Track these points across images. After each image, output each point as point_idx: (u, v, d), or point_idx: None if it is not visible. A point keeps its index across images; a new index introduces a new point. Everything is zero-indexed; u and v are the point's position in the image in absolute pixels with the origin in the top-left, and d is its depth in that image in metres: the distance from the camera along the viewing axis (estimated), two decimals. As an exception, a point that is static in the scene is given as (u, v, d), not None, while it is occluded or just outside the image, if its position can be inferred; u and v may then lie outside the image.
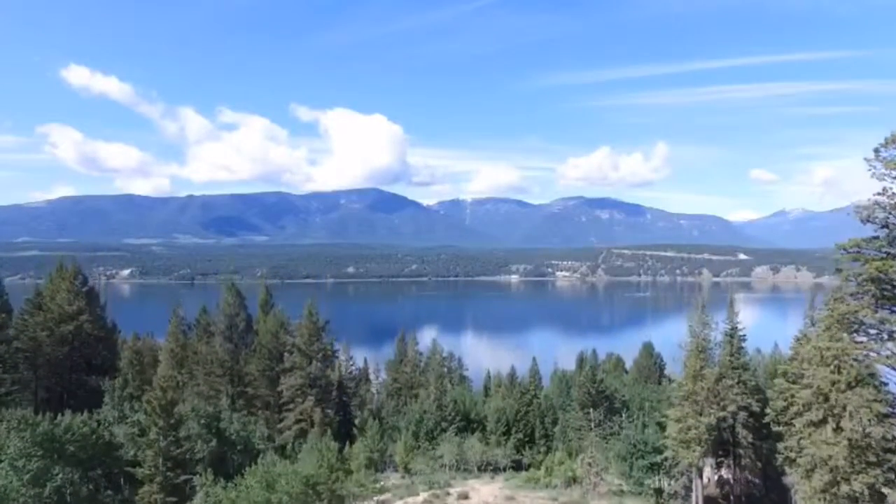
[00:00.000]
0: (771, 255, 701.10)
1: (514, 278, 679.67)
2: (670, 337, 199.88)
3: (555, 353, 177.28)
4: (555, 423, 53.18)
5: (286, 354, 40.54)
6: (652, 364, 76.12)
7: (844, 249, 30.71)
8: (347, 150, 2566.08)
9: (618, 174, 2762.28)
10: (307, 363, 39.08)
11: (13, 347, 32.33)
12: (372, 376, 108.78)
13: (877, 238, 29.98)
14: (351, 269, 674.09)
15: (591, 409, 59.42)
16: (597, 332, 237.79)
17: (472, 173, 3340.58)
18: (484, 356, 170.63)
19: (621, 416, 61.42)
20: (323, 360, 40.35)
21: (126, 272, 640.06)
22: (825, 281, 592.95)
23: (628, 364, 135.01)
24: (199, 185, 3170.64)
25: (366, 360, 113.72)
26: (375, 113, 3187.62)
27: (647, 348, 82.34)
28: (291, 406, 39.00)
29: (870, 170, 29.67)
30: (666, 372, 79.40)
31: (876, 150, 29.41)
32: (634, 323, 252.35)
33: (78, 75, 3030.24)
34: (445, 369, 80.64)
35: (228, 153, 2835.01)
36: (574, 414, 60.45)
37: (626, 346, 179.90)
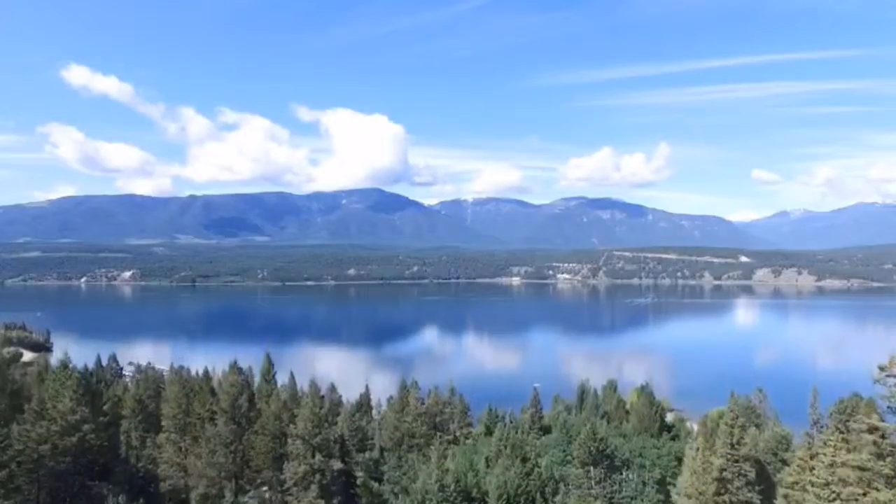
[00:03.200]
0: (772, 257, 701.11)
1: (516, 281, 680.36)
2: (674, 366, 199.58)
3: (555, 371, 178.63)
4: (555, 492, 53.47)
5: (289, 440, 40.85)
6: (653, 413, 76.32)
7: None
8: (349, 150, 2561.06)
9: (620, 174, 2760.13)
10: (310, 454, 39.42)
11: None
12: (374, 400, 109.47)
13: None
14: (352, 272, 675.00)
15: (592, 468, 59.71)
16: (597, 351, 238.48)
17: (474, 173, 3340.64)
18: (483, 376, 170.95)
19: (621, 473, 61.69)
20: (326, 450, 40.62)
21: (127, 274, 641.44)
22: (825, 284, 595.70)
23: (629, 387, 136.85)
24: (201, 185, 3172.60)
25: (367, 388, 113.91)
26: (376, 113, 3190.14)
27: (648, 395, 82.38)
28: (294, 491, 39.40)
29: None
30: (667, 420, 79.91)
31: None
32: (636, 344, 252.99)
33: (78, 75, 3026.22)
34: (448, 416, 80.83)
35: (230, 153, 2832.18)
36: (575, 471, 60.67)
37: (629, 371, 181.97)
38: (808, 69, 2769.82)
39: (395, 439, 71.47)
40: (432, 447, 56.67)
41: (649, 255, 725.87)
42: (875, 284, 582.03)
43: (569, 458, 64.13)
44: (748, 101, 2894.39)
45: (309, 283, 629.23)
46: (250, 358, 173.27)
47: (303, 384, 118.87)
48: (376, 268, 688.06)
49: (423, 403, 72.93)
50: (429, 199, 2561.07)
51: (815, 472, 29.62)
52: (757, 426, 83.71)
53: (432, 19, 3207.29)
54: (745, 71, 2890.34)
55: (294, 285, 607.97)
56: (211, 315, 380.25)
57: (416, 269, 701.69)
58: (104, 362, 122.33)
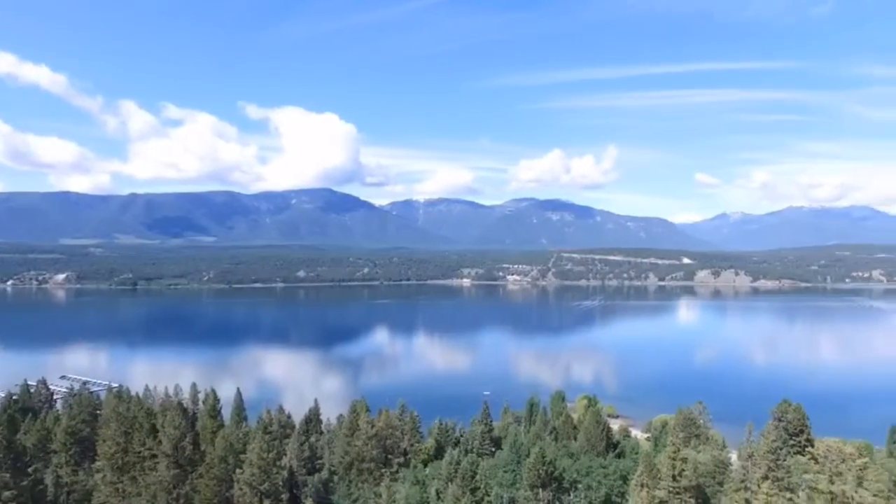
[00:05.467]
0: (712, 258, 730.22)
1: (466, 282, 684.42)
2: (621, 370, 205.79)
3: (505, 376, 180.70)
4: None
5: (236, 485, 39.67)
6: (599, 432, 78.07)
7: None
8: (299, 149, 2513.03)
9: (569, 176, 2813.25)
10: (258, 501, 38.41)
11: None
12: (324, 413, 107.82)
13: None
14: (302, 273, 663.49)
15: (541, 490, 60.55)
16: (546, 355, 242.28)
17: (426, 173, 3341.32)
18: (434, 383, 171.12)
19: (569, 494, 62.81)
20: (274, 495, 39.66)
21: (61, 277, 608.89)
22: (760, 285, 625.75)
23: (578, 392, 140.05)
24: (143, 183, 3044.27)
25: (316, 402, 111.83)
26: (328, 111, 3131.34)
27: (594, 412, 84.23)
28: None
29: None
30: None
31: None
32: (583, 348, 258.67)
33: (3, 63, 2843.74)
34: (398, 437, 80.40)
35: (174, 150, 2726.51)
36: (524, 493, 61.38)
37: (577, 375, 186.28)
38: (748, 78, 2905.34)
39: (345, 463, 70.53)
40: (383, 484, 56.23)
41: (597, 256, 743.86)
42: (803, 285, 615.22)
43: (518, 479, 64.96)
44: (692, 107, 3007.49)
45: (257, 285, 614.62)
46: (195, 370, 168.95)
47: (251, 400, 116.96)
48: (327, 269, 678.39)
49: (373, 426, 72.15)
50: (380, 199, 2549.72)
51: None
52: (697, 436, 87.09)
53: (384, 17, 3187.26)
54: (690, 77, 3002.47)
55: (242, 288, 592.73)
56: (153, 320, 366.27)
57: (367, 270, 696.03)
58: (32, 383, 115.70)
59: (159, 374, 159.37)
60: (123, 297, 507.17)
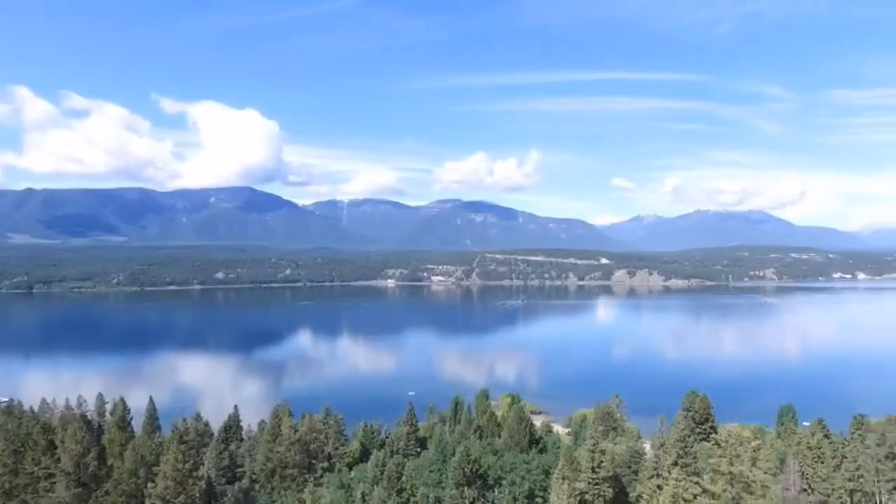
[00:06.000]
0: (628, 259, 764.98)
1: (391, 283, 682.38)
2: (543, 367, 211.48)
3: (431, 376, 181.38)
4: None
5: (147, 500, 37.46)
6: (523, 428, 79.94)
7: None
8: (218, 145, 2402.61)
9: (493, 178, 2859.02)
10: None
11: None
12: (245, 420, 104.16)
13: None
14: (221, 275, 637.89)
15: (466, 488, 61.25)
16: (471, 354, 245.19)
17: (351, 173, 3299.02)
18: (359, 385, 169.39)
19: (494, 491, 63.88)
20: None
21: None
22: (671, 284, 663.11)
23: (502, 389, 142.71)
24: (41, 177, 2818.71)
25: (236, 409, 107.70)
26: (249, 107, 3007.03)
27: (518, 409, 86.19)
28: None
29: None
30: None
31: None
32: (507, 346, 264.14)
33: None
34: (323, 441, 78.89)
35: (78, 143, 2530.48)
36: (450, 492, 61.85)
37: (501, 373, 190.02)
38: (659, 89, 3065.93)
39: (267, 470, 68.38)
40: (307, 490, 55.01)
41: (519, 256, 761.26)
42: (709, 283, 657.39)
43: (444, 478, 65.40)
44: (609, 114, 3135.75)
45: (172, 287, 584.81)
46: (102, 380, 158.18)
47: (166, 409, 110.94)
48: (247, 270, 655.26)
49: (296, 431, 70.34)
50: (303, 199, 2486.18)
51: (661, 500, 32.79)
52: (614, 429, 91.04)
53: (309, 13, 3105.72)
54: (607, 85, 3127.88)
55: (155, 290, 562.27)
56: (53, 327, 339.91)
57: (289, 271, 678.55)
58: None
59: (59, 385, 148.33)
60: (17, 303, 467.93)
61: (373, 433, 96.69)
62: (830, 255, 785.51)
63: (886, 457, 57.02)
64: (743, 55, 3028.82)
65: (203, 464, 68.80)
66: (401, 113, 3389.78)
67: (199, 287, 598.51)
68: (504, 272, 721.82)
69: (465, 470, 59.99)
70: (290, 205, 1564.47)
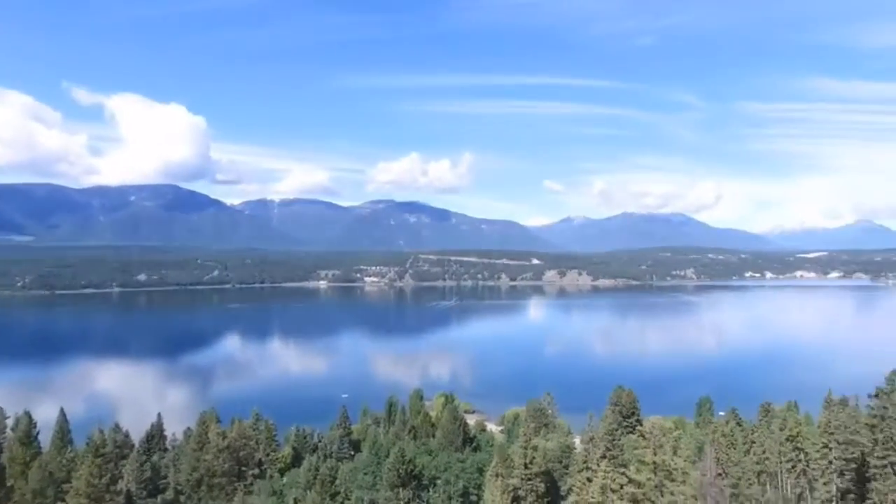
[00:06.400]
0: (559, 260, 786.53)
1: (323, 284, 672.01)
2: (476, 366, 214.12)
3: (364, 378, 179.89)
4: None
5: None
6: (457, 427, 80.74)
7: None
8: (139, 140, 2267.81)
9: (426, 179, 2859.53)
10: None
11: None
12: (168, 429, 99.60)
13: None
14: (143, 277, 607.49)
15: (401, 489, 61.28)
16: (404, 355, 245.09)
17: (282, 172, 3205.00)
18: (291, 389, 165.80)
19: (429, 491, 64.19)
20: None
21: None
22: (600, 283, 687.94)
23: (436, 389, 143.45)
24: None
25: (159, 417, 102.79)
26: (173, 102, 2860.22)
27: (451, 409, 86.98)
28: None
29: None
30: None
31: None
32: (441, 347, 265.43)
33: None
34: (253, 447, 76.70)
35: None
36: (385, 494, 61.69)
37: (435, 374, 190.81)
38: (587, 94, 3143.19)
39: (193, 480, 65.73)
40: (236, 499, 53.38)
41: (453, 257, 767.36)
42: (634, 283, 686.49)
43: (379, 480, 65.13)
44: (540, 118, 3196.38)
45: (88, 290, 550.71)
46: (2, 393, 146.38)
47: (80, 421, 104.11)
48: (171, 272, 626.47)
49: (224, 438, 68.00)
50: (232, 198, 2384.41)
51: (591, 492, 34.16)
52: (546, 426, 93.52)
53: (239, 5, 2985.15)
54: (538, 90, 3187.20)
55: (68, 294, 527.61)
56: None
57: (217, 273, 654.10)
58: None
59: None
60: None
61: (305, 438, 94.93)
62: (742, 256, 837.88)
63: (787, 439, 62.23)
64: (664, 66, 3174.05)
65: (122, 477, 65.58)
66: (334, 112, 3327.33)
67: (118, 290, 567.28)
68: (437, 273, 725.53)
69: (400, 471, 60.01)
70: (218, 204, 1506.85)
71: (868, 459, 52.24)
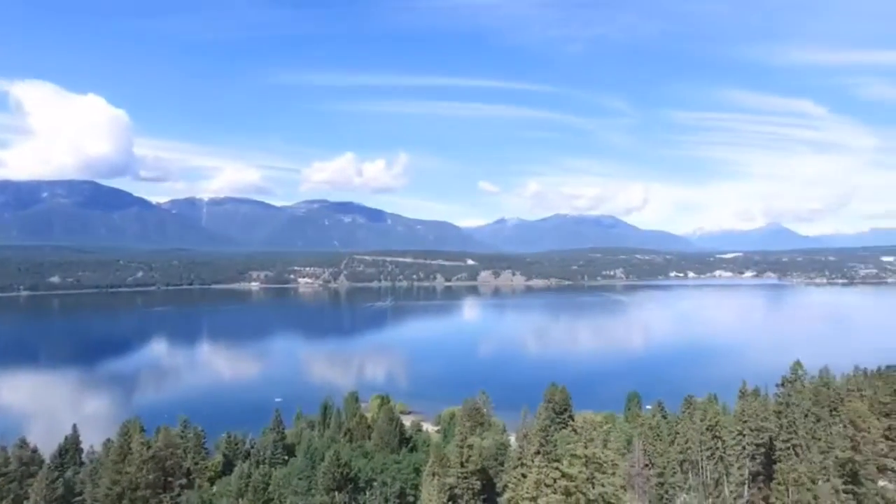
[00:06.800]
0: (494, 260, 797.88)
1: (255, 286, 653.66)
2: (412, 367, 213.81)
3: (298, 381, 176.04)
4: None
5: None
6: (393, 428, 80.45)
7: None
8: (52, 132, 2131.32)
9: (361, 179, 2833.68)
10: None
11: None
12: (86, 442, 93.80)
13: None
14: (56, 279, 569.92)
15: (337, 493, 60.55)
16: (339, 357, 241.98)
17: (212, 170, 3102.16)
18: (221, 395, 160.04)
19: (365, 493, 63.70)
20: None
21: None
22: (533, 283, 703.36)
23: (372, 391, 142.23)
24: None
25: (75, 428, 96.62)
26: (91, 92, 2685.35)
27: (387, 409, 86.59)
28: None
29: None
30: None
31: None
32: (376, 348, 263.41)
33: None
34: (181, 456, 73.48)
35: None
36: (320, 499, 60.82)
37: (371, 375, 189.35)
38: (521, 97, 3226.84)
39: (113, 495, 62.23)
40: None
41: (388, 258, 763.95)
42: (566, 282, 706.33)
43: (314, 485, 63.98)
44: (475, 119, 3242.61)
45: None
46: None
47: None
48: (90, 274, 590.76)
49: (149, 448, 64.78)
50: (158, 196, 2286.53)
51: (525, 487, 34.93)
52: (481, 424, 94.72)
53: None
54: (472, 92, 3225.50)
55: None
56: None
57: (140, 274, 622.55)
58: None
59: None
60: None
61: (236, 444, 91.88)
62: (667, 257, 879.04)
63: (707, 429, 66.17)
64: (594, 72, 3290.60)
65: (28, 497, 61.58)
66: (267, 109, 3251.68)
67: (27, 293, 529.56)
68: (372, 273, 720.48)
69: (336, 474, 59.34)
70: (143, 202, 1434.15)
71: (775, 443, 56.23)
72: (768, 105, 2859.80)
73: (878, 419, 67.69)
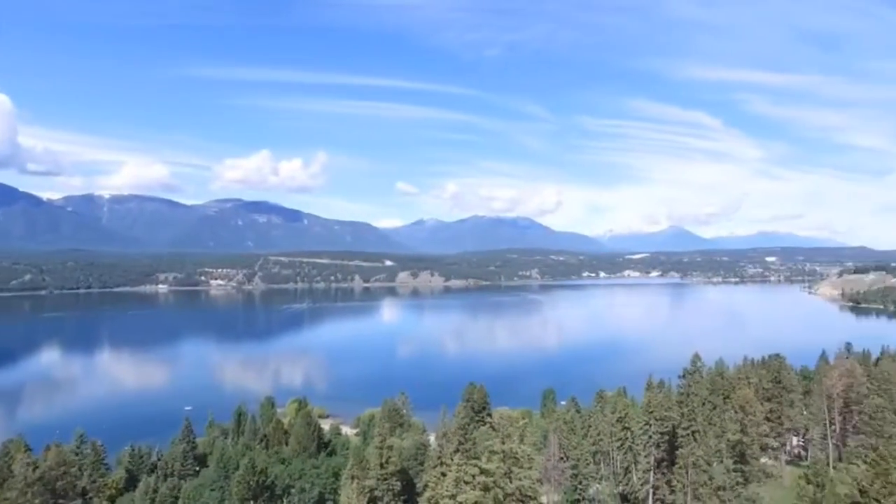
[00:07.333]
0: (412, 261, 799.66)
1: (163, 288, 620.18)
2: (329, 370, 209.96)
3: (209, 389, 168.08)
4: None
5: None
6: (311, 433, 78.71)
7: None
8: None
9: (277, 178, 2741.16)
10: None
11: None
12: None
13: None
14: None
15: (252, 501, 58.74)
16: (254, 362, 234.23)
17: (113, 165, 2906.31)
18: (125, 407, 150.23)
19: (283, 500, 62.18)
20: None
21: None
22: (451, 284, 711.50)
23: (289, 396, 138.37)
24: None
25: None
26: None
27: (305, 414, 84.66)
28: None
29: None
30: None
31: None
32: (292, 351, 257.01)
33: None
34: (78, 475, 68.21)
35: None
36: (234, 508, 58.66)
37: (287, 380, 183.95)
38: (438, 99, 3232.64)
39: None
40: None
41: (305, 259, 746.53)
42: (484, 283, 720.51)
43: (227, 495, 61.52)
44: (393, 120, 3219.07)
45: None
46: None
47: None
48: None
49: (36, 469, 59.49)
50: (50, 192, 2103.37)
51: (445, 485, 35.33)
52: (401, 425, 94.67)
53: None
54: (389, 92, 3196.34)
55: None
56: None
57: (29, 277, 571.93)
58: None
59: None
60: None
61: (141, 457, 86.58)
62: (580, 258, 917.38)
63: (617, 421, 70.13)
64: (510, 76, 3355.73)
65: None
66: (175, 102, 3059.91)
67: None
68: (289, 275, 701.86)
69: (251, 483, 57.46)
70: (31, 198, 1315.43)
71: (677, 430, 60.41)
72: (669, 115, 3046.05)
73: (761, 403, 74.53)
